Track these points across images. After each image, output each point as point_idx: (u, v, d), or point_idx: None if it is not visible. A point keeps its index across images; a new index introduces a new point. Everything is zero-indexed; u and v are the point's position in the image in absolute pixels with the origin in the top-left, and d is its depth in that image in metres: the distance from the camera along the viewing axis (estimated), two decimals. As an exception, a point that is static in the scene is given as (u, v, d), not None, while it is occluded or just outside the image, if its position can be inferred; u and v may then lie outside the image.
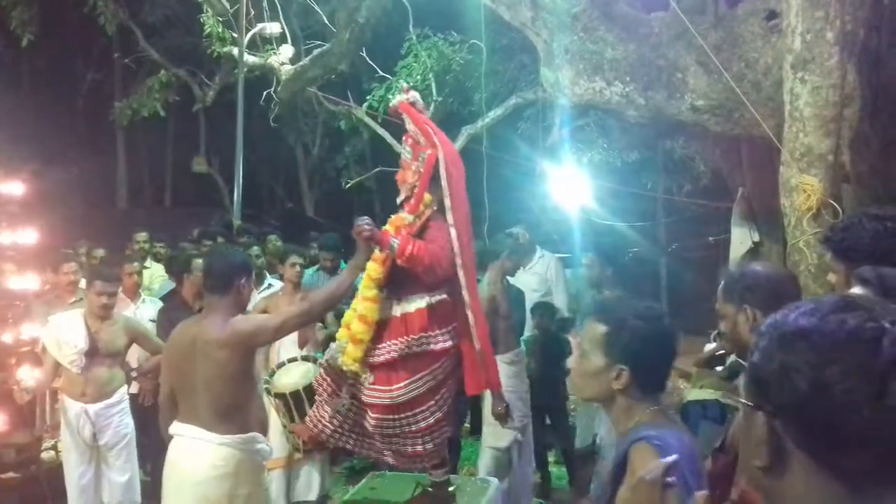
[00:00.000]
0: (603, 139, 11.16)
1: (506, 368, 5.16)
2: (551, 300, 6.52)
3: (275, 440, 5.47)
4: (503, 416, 5.05)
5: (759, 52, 4.74)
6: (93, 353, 4.85)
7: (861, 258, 2.28)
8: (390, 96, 4.53)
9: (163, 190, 21.80)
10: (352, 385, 3.56)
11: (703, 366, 5.43)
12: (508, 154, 10.82)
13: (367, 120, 10.83)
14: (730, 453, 2.29)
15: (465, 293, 3.48)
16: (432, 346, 3.43)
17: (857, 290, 2.14)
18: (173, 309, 5.71)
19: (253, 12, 10.01)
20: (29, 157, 11.96)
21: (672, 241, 15.01)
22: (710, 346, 5.56)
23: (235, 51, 10.11)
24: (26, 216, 5.78)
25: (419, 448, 3.50)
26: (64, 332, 4.83)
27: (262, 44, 10.31)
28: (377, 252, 3.45)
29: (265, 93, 10.68)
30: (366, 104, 10.57)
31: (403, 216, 3.51)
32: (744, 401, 1.03)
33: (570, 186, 8.71)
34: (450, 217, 3.45)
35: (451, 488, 3.81)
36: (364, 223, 3.40)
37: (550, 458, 6.48)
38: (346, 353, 3.44)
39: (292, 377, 5.01)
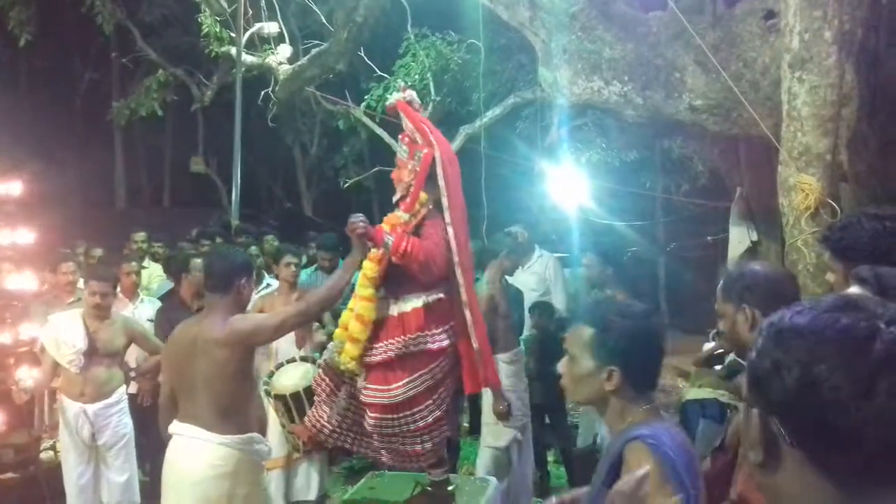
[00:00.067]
0: (601, 139, 11.17)
1: (505, 368, 5.17)
2: (550, 300, 6.52)
3: (274, 440, 5.47)
4: (504, 415, 5.06)
5: (757, 51, 4.75)
6: (91, 352, 4.85)
7: (860, 257, 2.29)
8: (388, 96, 4.52)
9: (161, 190, 21.79)
10: (350, 385, 3.56)
11: (702, 365, 5.44)
12: (507, 154, 10.82)
13: (366, 120, 10.82)
14: (729, 452, 2.30)
15: (462, 292, 3.48)
16: (430, 346, 3.43)
17: (854, 289, 2.15)
18: (171, 309, 5.71)
19: (251, 12, 10.00)
20: (27, 157, 11.94)
21: (670, 240, 15.02)
22: (708, 346, 5.57)
23: (233, 50, 10.10)
24: (24, 216, 5.77)
25: (418, 447, 3.50)
26: (63, 332, 4.83)
27: (260, 43, 10.30)
28: (374, 251, 3.45)
29: (263, 92, 10.67)
30: (364, 104, 10.56)
31: (399, 215, 3.51)
32: (743, 397, 1.03)
33: (568, 186, 8.71)
34: (447, 216, 3.46)
35: (450, 488, 3.81)
36: (358, 220, 3.40)
37: (549, 458, 6.48)
38: (344, 351, 3.44)
39: (291, 378, 5.01)
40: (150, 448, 5.14)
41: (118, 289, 5.60)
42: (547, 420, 6.17)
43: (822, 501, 0.93)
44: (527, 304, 6.16)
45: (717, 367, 5.20)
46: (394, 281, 3.50)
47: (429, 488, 3.79)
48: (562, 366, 2.14)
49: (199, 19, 10.44)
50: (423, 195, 3.50)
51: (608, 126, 10.30)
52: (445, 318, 3.50)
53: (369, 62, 10.25)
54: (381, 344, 3.43)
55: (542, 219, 10.98)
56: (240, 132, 10.23)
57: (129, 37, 14.34)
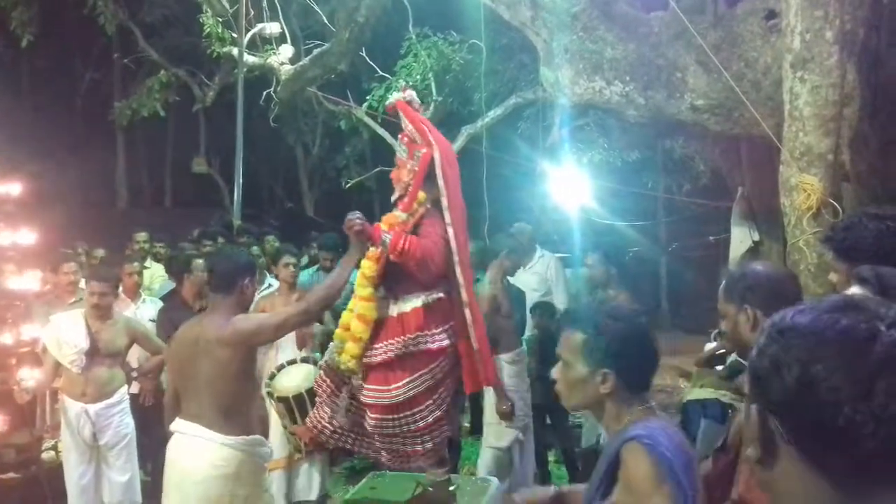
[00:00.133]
0: (603, 139, 11.17)
1: (507, 368, 5.17)
2: (551, 300, 6.52)
3: (275, 441, 5.48)
4: (508, 415, 5.06)
5: (758, 51, 4.75)
6: (93, 353, 4.85)
7: (863, 258, 2.29)
8: (390, 96, 4.52)
9: (162, 190, 21.80)
10: (351, 385, 3.56)
11: (704, 365, 5.43)
12: (508, 154, 10.82)
13: (367, 120, 10.83)
14: (731, 453, 2.29)
15: (462, 291, 3.48)
16: (429, 345, 3.43)
17: (855, 289, 2.15)
18: (173, 309, 5.71)
19: (252, 12, 10.00)
20: (28, 157, 11.96)
21: (672, 240, 15.04)
22: (710, 346, 5.56)
23: (235, 51, 10.11)
24: (25, 216, 5.78)
25: (418, 447, 3.50)
26: (64, 332, 4.83)
27: (261, 44, 10.31)
28: (372, 250, 3.45)
29: (265, 93, 10.68)
30: (365, 104, 10.57)
31: (397, 214, 3.52)
32: (745, 394, 1.04)
33: (570, 186, 8.71)
34: (447, 216, 3.46)
35: (451, 488, 3.81)
36: (356, 217, 3.41)
37: (550, 458, 6.48)
38: (345, 350, 3.44)
39: (294, 380, 5.01)
40: (152, 448, 5.15)
41: (120, 289, 5.60)
42: (548, 420, 6.17)
43: (819, 500, 0.93)
44: (528, 304, 6.16)
45: (719, 368, 5.20)
46: (393, 281, 3.50)
47: (430, 488, 3.78)
48: (555, 372, 2.13)
49: (200, 20, 10.45)
50: (421, 194, 3.51)
51: (610, 126, 10.30)
52: (445, 317, 3.50)
53: (371, 62, 10.26)
54: (380, 344, 3.43)
55: (544, 219, 10.99)
56: (242, 132, 10.23)
57: (131, 37, 14.36)
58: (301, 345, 5.59)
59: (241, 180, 10.30)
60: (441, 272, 3.44)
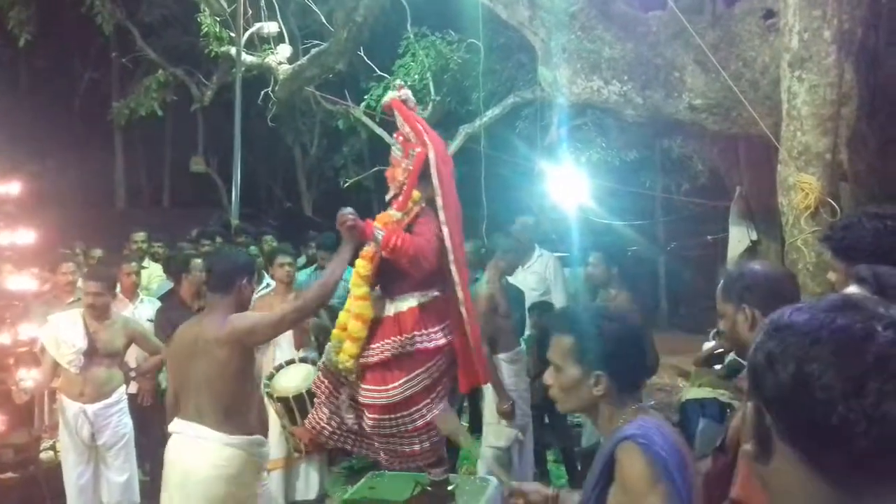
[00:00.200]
0: (601, 138, 11.17)
1: (506, 367, 5.18)
2: (550, 299, 6.52)
3: (273, 440, 5.47)
4: (509, 414, 5.06)
5: (756, 50, 4.75)
6: (91, 352, 4.85)
7: (861, 257, 2.29)
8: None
9: (161, 190, 21.79)
10: (349, 386, 3.57)
11: (702, 364, 5.43)
12: (506, 153, 10.82)
13: (365, 119, 10.81)
14: (729, 452, 2.29)
15: (458, 290, 3.49)
16: (426, 344, 3.44)
17: (852, 288, 2.15)
18: (171, 309, 5.71)
19: (250, 12, 10.00)
20: (26, 157, 11.97)
21: (670, 239, 15.04)
22: (709, 345, 5.55)
23: (233, 50, 10.11)
24: (24, 216, 5.77)
25: (416, 447, 3.51)
26: (63, 332, 4.83)
27: (259, 43, 10.30)
28: (366, 249, 3.46)
29: (263, 92, 10.67)
30: (364, 104, 10.56)
31: (392, 213, 3.52)
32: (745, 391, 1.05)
33: (568, 186, 8.71)
34: (441, 215, 3.46)
35: (450, 487, 3.81)
36: (348, 213, 3.41)
37: (549, 458, 6.48)
38: (343, 350, 3.44)
39: (293, 380, 5.01)
40: (150, 448, 5.15)
41: (118, 289, 5.60)
42: (547, 420, 6.17)
43: (815, 496, 0.94)
44: (527, 303, 6.17)
45: (717, 367, 5.19)
46: (389, 280, 3.51)
47: (429, 488, 3.79)
48: (548, 377, 2.13)
49: (198, 19, 10.44)
50: (415, 193, 3.51)
51: (608, 125, 10.30)
52: (441, 316, 3.51)
53: (369, 62, 10.25)
54: (377, 344, 3.43)
55: (542, 218, 10.98)
56: (240, 132, 10.23)
57: (129, 37, 14.35)
58: (299, 345, 5.59)
59: (239, 180, 10.30)
60: (433, 270, 3.44)
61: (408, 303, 3.45)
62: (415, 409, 3.43)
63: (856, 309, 0.94)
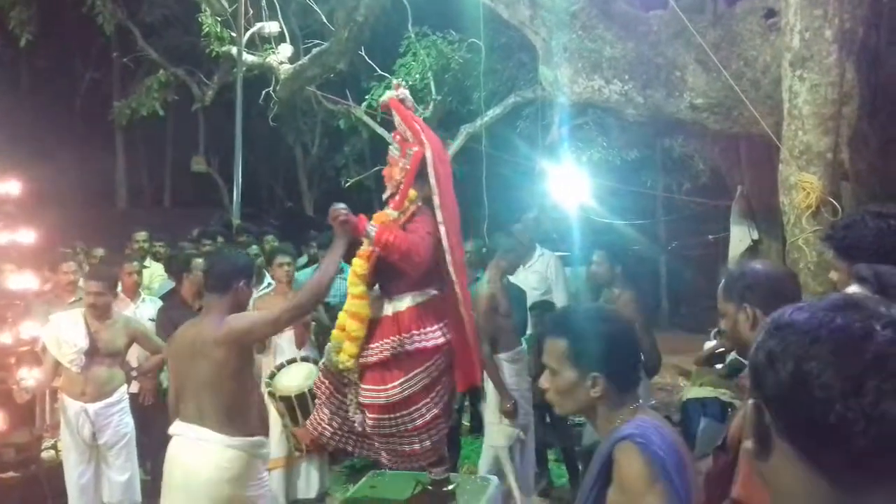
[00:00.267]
0: (602, 137, 11.17)
1: (507, 367, 5.17)
2: (551, 298, 6.52)
3: (275, 439, 5.48)
4: (511, 413, 5.06)
5: (757, 50, 4.75)
6: (93, 352, 4.85)
7: (863, 256, 2.29)
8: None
9: (162, 189, 21.80)
10: (351, 386, 3.57)
11: (704, 363, 5.42)
12: (508, 153, 10.82)
13: (367, 119, 10.82)
14: (730, 452, 2.29)
15: (457, 289, 3.49)
16: (425, 344, 3.44)
17: (853, 287, 2.15)
18: (173, 308, 5.72)
19: (251, 11, 10.00)
20: (27, 157, 11.94)
21: (671, 239, 15.03)
22: (710, 344, 5.55)
23: (234, 50, 10.11)
24: (25, 216, 5.77)
25: (416, 446, 3.50)
26: (64, 332, 4.83)
27: (260, 43, 10.30)
28: (363, 248, 3.46)
29: (264, 92, 10.68)
30: (365, 103, 10.56)
31: (388, 212, 3.52)
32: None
33: (569, 185, 8.71)
34: (439, 215, 3.46)
35: (450, 486, 3.81)
36: (340, 208, 3.41)
37: (550, 457, 6.48)
38: (343, 350, 3.45)
39: (294, 379, 5.01)
40: (152, 447, 5.15)
41: (120, 288, 5.60)
42: (548, 419, 6.17)
43: (813, 495, 0.95)
44: (528, 303, 6.16)
45: (719, 366, 5.19)
46: (387, 280, 3.51)
47: (429, 487, 3.79)
48: (544, 381, 2.13)
49: (199, 19, 10.45)
50: (412, 192, 3.52)
51: (609, 125, 10.30)
52: (440, 315, 3.51)
53: (370, 61, 10.25)
54: (376, 344, 3.43)
55: (544, 217, 10.98)
56: (241, 132, 10.24)
57: (130, 37, 14.35)
58: (300, 344, 5.60)
59: (240, 179, 10.31)
60: (428, 267, 3.43)
61: (406, 302, 3.46)
62: (414, 408, 3.43)
63: (856, 308, 0.95)
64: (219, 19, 10.28)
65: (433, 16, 10.11)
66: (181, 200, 20.93)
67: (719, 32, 4.90)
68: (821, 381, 0.90)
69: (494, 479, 4.34)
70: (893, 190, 4.38)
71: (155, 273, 7.48)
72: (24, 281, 5.51)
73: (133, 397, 5.35)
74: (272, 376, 5.13)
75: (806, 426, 0.92)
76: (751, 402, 1.01)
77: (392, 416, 3.43)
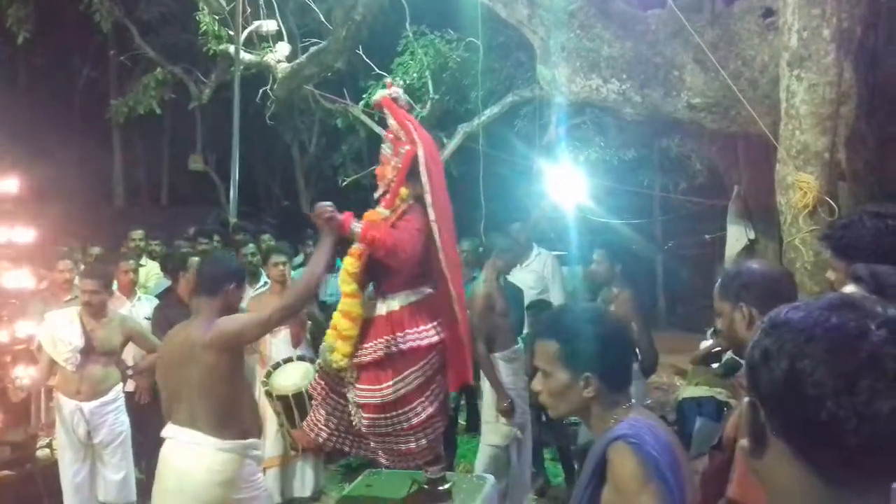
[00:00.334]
0: (599, 137, 11.15)
1: (504, 366, 5.17)
2: (548, 297, 6.52)
3: (270, 438, 5.48)
4: (508, 412, 5.06)
5: (755, 49, 4.75)
6: (88, 350, 4.84)
7: (862, 256, 2.29)
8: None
9: (159, 188, 21.74)
10: (345, 386, 3.57)
11: (700, 363, 5.44)
12: (505, 152, 10.81)
13: (364, 118, 10.80)
14: (726, 451, 2.29)
15: (451, 288, 3.49)
16: (419, 342, 3.44)
17: (850, 287, 2.15)
18: (169, 306, 5.71)
19: (249, 10, 9.98)
20: (24, 155, 11.92)
21: (668, 238, 15.05)
22: (706, 343, 5.56)
23: (232, 48, 10.09)
24: (22, 214, 5.76)
25: (412, 445, 3.50)
26: (59, 330, 4.82)
27: (258, 41, 10.28)
28: (354, 246, 3.46)
29: (261, 91, 10.65)
30: (362, 102, 10.54)
31: (380, 211, 3.53)
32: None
33: (566, 184, 8.70)
34: (431, 213, 3.46)
35: (447, 485, 3.81)
36: (325, 206, 3.41)
37: (547, 456, 6.48)
38: (336, 349, 3.44)
39: (291, 378, 5.00)
40: (147, 446, 5.13)
41: (115, 287, 5.59)
42: (544, 418, 6.17)
43: (807, 493, 0.95)
44: (525, 301, 6.16)
45: (715, 366, 5.19)
46: (380, 279, 3.51)
47: (425, 486, 3.79)
48: (537, 384, 2.13)
49: (197, 17, 10.42)
50: (403, 191, 3.52)
51: (606, 124, 10.29)
52: (434, 313, 3.51)
53: (368, 60, 10.23)
54: (370, 343, 3.43)
55: (540, 217, 10.97)
56: (238, 130, 10.23)
57: (128, 35, 14.31)
58: (296, 343, 5.59)
59: (237, 178, 10.30)
60: (413, 263, 3.43)
61: (400, 301, 3.46)
62: (409, 407, 3.43)
63: (851, 308, 0.95)
64: (216, 17, 10.25)
65: (431, 15, 10.09)
66: (178, 199, 20.88)
67: (717, 32, 4.90)
68: (814, 379, 0.90)
69: (491, 477, 4.33)
70: (891, 189, 4.39)
71: (151, 271, 7.47)
72: (20, 279, 5.49)
73: (129, 396, 5.34)
74: (268, 375, 5.12)
75: (799, 424, 0.93)
76: (746, 399, 1.01)
77: (387, 415, 3.43)
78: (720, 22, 4.95)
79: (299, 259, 7.92)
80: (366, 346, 3.44)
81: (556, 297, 6.61)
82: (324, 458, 5.90)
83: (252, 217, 13.71)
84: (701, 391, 5.15)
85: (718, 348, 5.09)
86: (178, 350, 3.41)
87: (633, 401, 2.08)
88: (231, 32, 10.13)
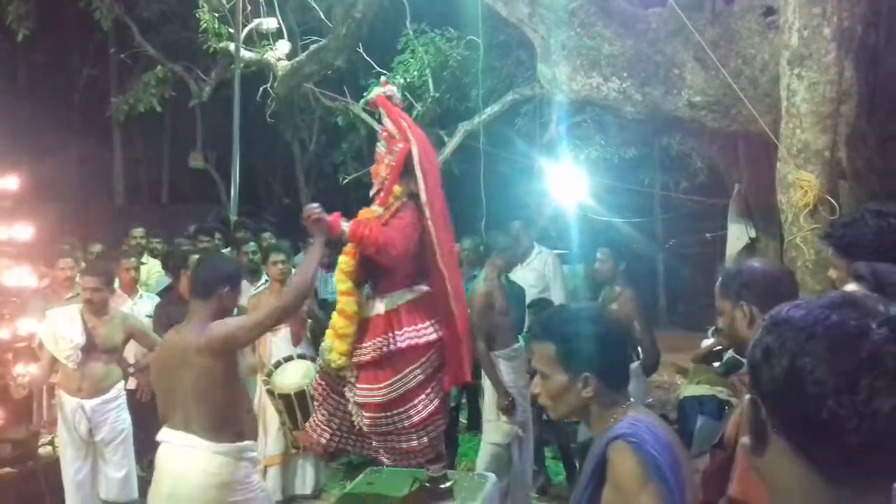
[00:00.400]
0: (600, 136, 11.15)
1: (504, 364, 5.17)
2: (549, 296, 6.52)
3: (272, 436, 5.48)
4: (509, 410, 5.06)
5: (756, 48, 4.75)
6: (89, 348, 4.85)
7: (863, 254, 2.29)
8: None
9: (159, 186, 21.73)
10: (345, 386, 3.57)
11: (701, 361, 5.44)
12: (506, 151, 10.81)
13: (364, 116, 10.78)
14: (727, 449, 2.30)
15: (447, 285, 3.49)
16: (418, 340, 3.45)
17: (851, 286, 2.15)
18: (170, 304, 5.71)
19: (249, 7, 9.97)
20: (25, 153, 11.93)
21: (669, 237, 15.05)
22: (707, 342, 5.56)
23: (232, 46, 10.08)
24: (22, 212, 5.76)
25: (414, 443, 3.51)
26: (60, 328, 4.82)
27: (258, 39, 10.27)
28: (349, 245, 3.46)
29: (262, 88, 10.64)
30: (363, 100, 10.53)
31: (374, 209, 3.55)
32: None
33: (567, 183, 8.71)
34: (426, 211, 3.46)
35: (448, 483, 3.82)
36: (313, 208, 3.42)
37: (547, 454, 6.48)
38: (333, 349, 3.45)
39: (293, 377, 5.00)
40: (149, 444, 5.10)
41: (117, 284, 5.59)
42: (544, 416, 6.17)
43: (808, 491, 0.96)
44: (526, 300, 6.17)
45: (716, 364, 5.19)
46: (377, 278, 3.52)
47: (427, 484, 3.79)
48: (535, 387, 2.13)
49: (197, 15, 10.41)
50: (396, 188, 3.53)
51: (607, 123, 10.29)
52: (431, 311, 3.52)
53: (368, 58, 10.22)
54: (369, 343, 3.44)
55: (541, 216, 10.97)
56: (238, 128, 10.22)
57: (128, 32, 14.30)
58: (297, 342, 5.59)
59: (237, 176, 10.29)
60: (405, 259, 3.43)
61: (397, 299, 3.47)
62: (410, 405, 3.43)
63: (853, 306, 0.95)
64: (216, 15, 10.24)
65: (431, 13, 10.08)
66: (179, 196, 20.87)
67: (718, 30, 4.90)
68: (814, 377, 0.91)
69: (492, 476, 4.34)
70: (892, 188, 4.39)
71: (152, 269, 7.47)
72: (22, 277, 5.49)
73: (130, 394, 5.35)
74: (269, 374, 5.12)
75: (800, 422, 0.93)
76: (748, 397, 1.02)
77: (388, 413, 3.44)
78: (721, 20, 4.95)
79: (300, 257, 7.92)
80: (364, 345, 3.45)
81: (557, 296, 6.61)
82: (325, 457, 5.91)
83: (253, 215, 13.71)
84: (702, 390, 5.15)
85: (719, 347, 5.09)
86: (172, 354, 3.40)
87: (632, 399, 2.09)
88: (231, 30, 10.12)
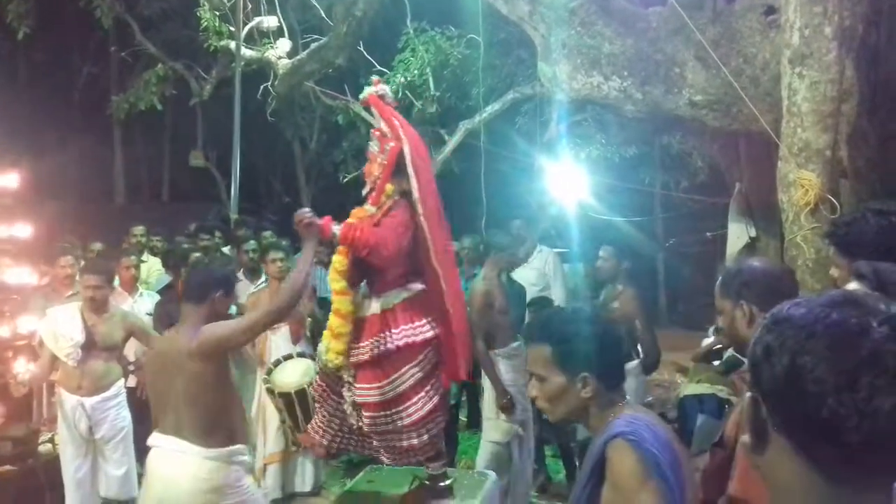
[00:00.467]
0: (601, 134, 11.15)
1: (504, 363, 5.17)
2: (549, 295, 6.52)
3: (271, 435, 5.48)
4: (508, 409, 5.06)
5: (757, 47, 4.75)
6: (89, 346, 4.85)
7: (865, 253, 2.29)
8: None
9: (160, 184, 21.73)
10: (343, 386, 3.57)
11: (701, 360, 5.43)
12: (506, 149, 10.80)
13: (365, 115, 10.78)
14: (727, 448, 2.30)
15: (441, 282, 3.49)
16: (414, 339, 3.45)
17: (852, 284, 2.15)
18: (170, 302, 5.71)
19: (250, 6, 9.97)
20: (25, 151, 11.93)
21: (669, 236, 15.05)
22: (707, 341, 5.55)
23: (232, 44, 10.08)
24: (22, 210, 5.76)
25: (414, 441, 3.51)
26: (61, 325, 4.82)
27: (259, 38, 10.27)
28: (342, 246, 3.47)
29: (262, 87, 10.64)
30: (361, 97, 10.52)
31: (366, 208, 3.56)
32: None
33: (567, 182, 8.70)
34: (420, 209, 3.46)
35: (448, 481, 3.82)
36: (304, 212, 3.43)
37: (547, 453, 6.48)
38: (330, 348, 3.45)
39: (293, 375, 5.00)
40: (149, 442, 5.14)
41: (117, 282, 5.59)
42: (544, 415, 6.17)
43: (808, 489, 0.95)
44: (527, 299, 6.16)
45: (716, 363, 5.19)
46: (372, 277, 3.52)
47: (426, 482, 3.79)
48: (532, 390, 2.13)
49: (198, 13, 10.40)
50: (388, 187, 3.54)
51: (607, 122, 10.29)
52: (427, 309, 3.53)
53: (369, 57, 10.22)
54: (366, 342, 3.44)
55: (542, 214, 10.96)
56: (239, 126, 10.22)
57: (128, 30, 14.30)
58: (295, 340, 5.59)
59: (238, 174, 10.30)
60: (397, 258, 3.44)
61: (393, 299, 3.47)
62: (409, 403, 3.44)
63: (853, 304, 0.95)
64: (217, 13, 10.24)
65: (432, 11, 10.08)
66: (179, 195, 20.87)
67: (719, 29, 4.90)
68: (814, 375, 0.91)
69: (492, 474, 4.34)
70: (893, 187, 4.39)
71: (152, 267, 7.48)
72: (22, 275, 5.49)
73: (130, 391, 5.35)
74: (269, 372, 5.12)
75: (800, 420, 0.93)
76: (748, 395, 1.02)
77: (387, 412, 3.44)
78: (722, 19, 4.95)
79: (299, 256, 7.91)
80: (361, 344, 3.45)
81: (557, 295, 6.61)
82: (327, 457, 5.91)
83: (253, 213, 13.70)
84: (702, 388, 5.15)
85: (720, 346, 5.09)
86: (164, 358, 3.39)
87: (629, 398, 2.09)
88: (232, 28, 10.12)
